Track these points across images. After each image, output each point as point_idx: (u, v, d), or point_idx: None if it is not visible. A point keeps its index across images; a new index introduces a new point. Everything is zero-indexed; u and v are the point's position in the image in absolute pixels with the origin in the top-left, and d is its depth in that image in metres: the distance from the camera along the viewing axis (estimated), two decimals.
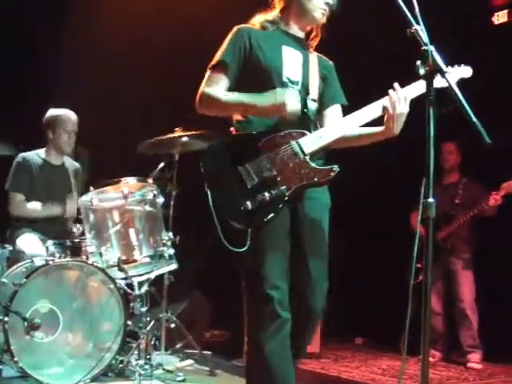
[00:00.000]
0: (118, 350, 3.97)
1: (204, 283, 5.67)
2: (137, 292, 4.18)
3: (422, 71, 2.24)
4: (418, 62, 2.25)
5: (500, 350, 5.22)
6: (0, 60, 5.79)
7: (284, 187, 2.63)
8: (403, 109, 2.67)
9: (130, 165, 4.76)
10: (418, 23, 2.28)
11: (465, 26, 5.56)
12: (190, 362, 4.59)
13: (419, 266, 2.22)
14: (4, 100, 5.76)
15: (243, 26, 2.89)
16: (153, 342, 4.38)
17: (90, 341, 4.03)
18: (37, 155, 4.78)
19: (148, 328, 4.19)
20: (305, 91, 2.83)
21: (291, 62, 2.84)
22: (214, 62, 2.81)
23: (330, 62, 3.03)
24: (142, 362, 4.06)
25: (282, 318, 2.63)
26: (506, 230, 5.29)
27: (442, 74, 2.24)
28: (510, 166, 5.07)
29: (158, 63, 6.37)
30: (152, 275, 4.25)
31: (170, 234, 4.24)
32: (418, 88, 2.67)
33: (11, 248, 4.23)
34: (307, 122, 2.78)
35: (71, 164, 4.95)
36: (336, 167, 2.66)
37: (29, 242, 4.44)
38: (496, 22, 5.62)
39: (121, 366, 4.09)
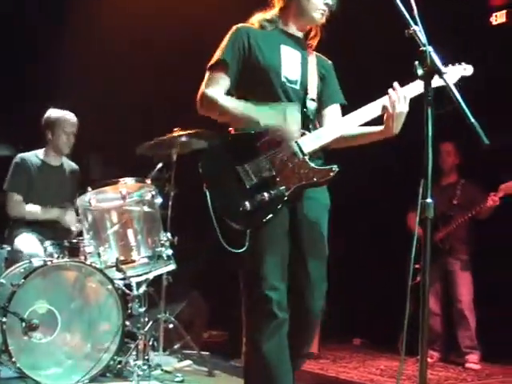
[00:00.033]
0: (116, 351, 3.97)
1: (202, 284, 5.68)
2: (135, 292, 4.17)
3: (419, 72, 2.25)
4: (416, 63, 2.25)
5: (498, 350, 5.21)
6: (0, 60, 5.80)
7: (283, 187, 2.63)
8: (403, 108, 2.67)
9: (129, 165, 4.76)
10: (416, 24, 2.28)
11: (464, 26, 5.55)
12: (188, 362, 4.59)
13: (417, 266, 2.22)
14: (4, 100, 5.77)
15: (242, 25, 2.88)
16: (151, 343, 4.39)
17: (88, 341, 4.03)
18: (35, 156, 4.79)
19: (146, 328, 4.18)
20: (303, 91, 2.83)
21: (290, 61, 2.83)
22: (213, 61, 2.80)
23: (329, 62, 3.02)
24: (140, 362, 4.05)
25: (279, 318, 2.63)
26: (504, 230, 5.28)
27: (440, 74, 2.24)
28: (508, 167, 5.07)
29: (158, 63, 6.37)
30: (150, 276, 4.25)
31: (169, 234, 4.23)
32: (418, 87, 2.66)
33: (9, 248, 4.24)
34: (306, 121, 2.77)
35: (69, 165, 4.95)
36: (335, 167, 2.66)
37: (27, 242, 4.45)
38: (494, 23, 5.61)
39: (119, 366, 4.09)
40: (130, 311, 4.14)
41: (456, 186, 5.67)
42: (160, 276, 4.49)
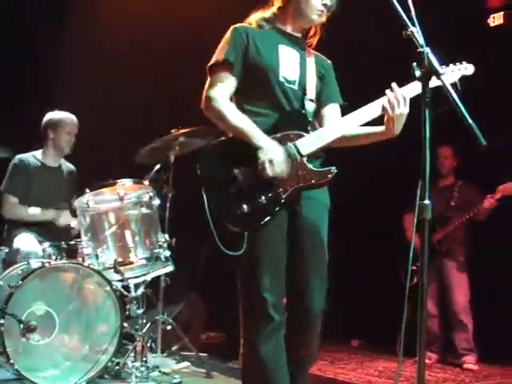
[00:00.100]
0: (114, 352, 3.97)
1: (200, 285, 5.69)
2: (133, 294, 4.17)
3: (417, 73, 2.25)
4: (414, 64, 2.25)
5: (496, 351, 5.21)
6: (0, 60, 5.80)
7: (281, 189, 2.63)
8: (403, 110, 2.65)
9: (128, 166, 4.76)
10: (413, 25, 2.28)
11: (463, 26, 5.54)
12: (186, 364, 4.60)
13: (414, 268, 2.23)
14: (4, 100, 5.78)
15: (240, 25, 2.86)
16: (149, 344, 4.41)
17: (86, 343, 4.03)
18: (33, 157, 4.80)
19: (144, 330, 4.19)
20: (302, 91, 2.81)
21: (288, 61, 2.82)
22: (215, 62, 2.78)
23: (328, 61, 3.01)
24: (138, 364, 4.06)
25: (275, 321, 2.63)
26: (501, 231, 5.28)
27: (438, 75, 2.24)
28: (505, 168, 5.06)
29: (158, 63, 6.37)
30: (148, 277, 4.25)
31: (166, 235, 4.24)
32: (417, 87, 2.63)
33: (7, 250, 4.25)
34: (305, 122, 2.76)
35: (67, 166, 4.97)
36: (334, 169, 2.65)
37: (26, 242, 4.45)
38: (492, 24, 5.60)
39: (117, 368, 4.09)
40: (127, 313, 4.14)
41: (453, 187, 5.67)
42: (158, 277, 4.49)
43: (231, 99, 2.81)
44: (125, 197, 4.15)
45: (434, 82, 2.26)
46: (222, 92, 2.74)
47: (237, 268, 2.72)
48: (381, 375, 4.96)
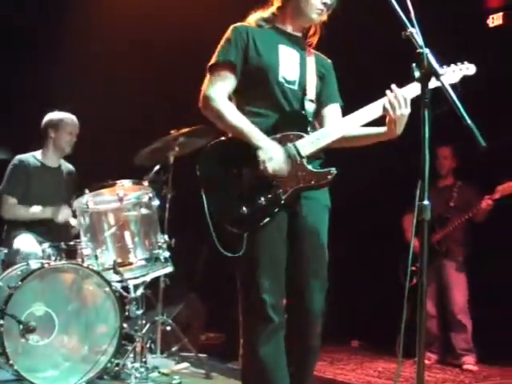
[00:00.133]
0: (114, 353, 3.97)
1: (200, 286, 5.69)
2: (132, 295, 4.18)
3: (417, 74, 2.25)
4: (414, 65, 2.25)
5: (495, 352, 5.21)
6: (0, 60, 5.80)
7: (280, 191, 2.62)
8: (404, 111, 2.63)
9: (127, 167, 4.76)
10: (413, 26, 2.28)
11: (462, 27, 5.53)
12: (185, 364, 4.59)
13: (414, 268, 2.23)
14: (4, 100, 5.78)
15: (239, 24, 2.85)
16: (148, 345, 4.41)
17: (85, 344, 4.03)
18: (33, 157, 4.79)
19: (144, 331, 4.19)
20: (302, 91, 2.80)
21: (288, 61, 2.80)
22: (216, 61, 2.77)
23: (329, 61, 2.99)
24: (137, 364, 4.07)
25: (275, 322, 2.63)
26: (500, 231, 5.29)
27: (437, 76, 2.24)
28: (505, 168, 5.06)
29: (158, 63, 6.37)
30: (147, 278, 4.26)
31: (166, 236, 4.24)
32: (417, 87, 2.57)
33: (6, 251, 4.25)
34: (305, 123, 2.75)
35: (67, 167, 4.96)
36: (333, 170, 2.65)
37: (26, 242, 4.45)
38: (491, 25, 5.60)
39: (116, 368, 4.09)
40: (127, 313, 4.14)
41: (453, 188, 5.67)
42: (157, 278, 4.49)
43: (231, 99, 2.80)
44: (124, 197, 4.15)
45: (433, 83, 2.26)
46: (220, 91, 2.73)
47: (236, 269, 2.72)
48: (380, 376, 4.96)
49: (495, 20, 5.54)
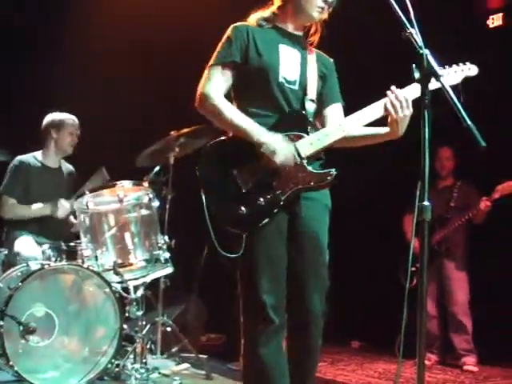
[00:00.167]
0: (114, 354, 3.96)
1: (200, 287, 5.68)
2: (132, 296, 4.17)
3: (416, 75, 2.24)
4: (413, 66, 2.24)
5: (496, 352, 5.20)
6: (0, 60, 5.80)
7: (279, 191, 2.62)
8: (406, 111, 2.62)
9: (127, 168, 4.76)
10: (412, 26, 2.27)
11: (462, 27, 5.54)
12: (186, 365, 4.60)
13: (414, 269, 2.22)
14: (3, 100, 5.78)
15: (240, 23, 2.84)
16: (149, 346, 4.42)
17: (85, 345, 4.03)
18: (33, 158, 4.78)
19: (144, 332, 4.19)
20: (302, 91, 2.78)
21: (288, 61, 2.79)
22: (215, 59, 2.76)
23: (330, 60, 2.97)
24: (137, 365, 4.07)
25: (275, 323, 2.62)
26: (500, 231, 5.29)
27: (437, 77, 2.23)
28: (504, 168, 5.06)
29: (158, 63, 6.37)
30: (148, 279, 4.25)
31: (166, 237, 4.24)
32: (418, 88, 2.61)
33: (6, 252, 4.25)
34: (305, 123, 2.73)
35: (67, 167, 4.96)
36: (333, 171, 2.63)
37: (26, 245, 4.45)
38: (491, 26, 5.59)
39: (117, 369, 4.09)
40: (127, 314, 4.14)
41: (453, 188, 5.65)
42: (157, 279, 4.50)
43: (230, 100, 2.79)
44: (124, 198, 4.14)
45: (434, 84, 2.25)
46: (217, 89, 2.72)
47: (236, 269, 2.71)
48: (381, 376, 4.96)
49: (495, 20, 5.54)
